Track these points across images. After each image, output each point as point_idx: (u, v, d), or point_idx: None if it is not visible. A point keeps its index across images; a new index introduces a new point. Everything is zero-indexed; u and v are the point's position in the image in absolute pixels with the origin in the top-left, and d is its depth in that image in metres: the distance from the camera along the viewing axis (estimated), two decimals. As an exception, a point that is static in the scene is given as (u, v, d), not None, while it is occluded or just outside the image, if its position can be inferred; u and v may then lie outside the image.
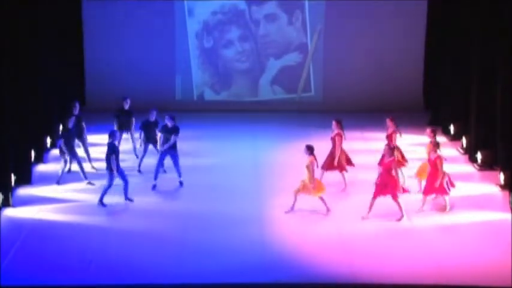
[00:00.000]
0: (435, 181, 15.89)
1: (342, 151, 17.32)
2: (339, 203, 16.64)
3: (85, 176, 17.60)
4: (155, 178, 17.39)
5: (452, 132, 21.45)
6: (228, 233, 15.00)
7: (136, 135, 19.15)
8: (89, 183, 17.50)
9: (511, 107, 17.61)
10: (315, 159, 15.77)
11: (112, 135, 16.38)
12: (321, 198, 15.92)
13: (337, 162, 17.18)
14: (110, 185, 16.25)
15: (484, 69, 19.15)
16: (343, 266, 13.73)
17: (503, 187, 17.50)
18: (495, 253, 14.22)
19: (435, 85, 23.50)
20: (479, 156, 19.05)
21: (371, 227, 15.38)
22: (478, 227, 15.49)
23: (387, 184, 15.52)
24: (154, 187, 17.35)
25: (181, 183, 17.54)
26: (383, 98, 24.21)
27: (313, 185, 15.70)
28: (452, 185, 16.18)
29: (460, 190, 17.35)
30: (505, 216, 15.93)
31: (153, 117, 18.48)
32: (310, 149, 15.78)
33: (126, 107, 19.39)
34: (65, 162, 17.73)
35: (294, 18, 24.56)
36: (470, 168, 19.15)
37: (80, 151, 18.51)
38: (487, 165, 18.83)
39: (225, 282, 13.12)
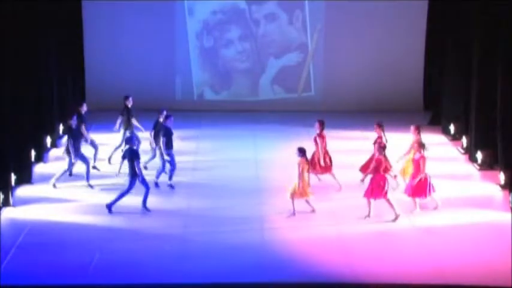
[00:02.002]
0: (415, 181, 15.86)
1: (326, 152, 17.29)
2: (339, 203, 16.63)
3: (88, 178, 17.52)
4: (157, 177, 17.38)
5: (452, 132, 21.47)
6: (228, 233, 14.99)
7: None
8: (89, 185, 17.45)
9: (511, 106, 17.60)
10: (307, 161, 15.82)
11: (128, 141, 16.30)
12: (292, 200, 15.87)
13: (323, 163, 17.20)
14: (128, 191, 15.99)
15: (484, 69, 19.11)
16: (342, 265, 13.70)
17: (503, 187, 17.49)
18: (495, 253, 14.20)
19: (435, 85, 23.50)
20: (479, 156, 19.05)
21: (370, 226, 15.36)
22: (478, 227, 15.47)
23: (379, 184, 15.50)
24: (157, 185, 17.32)
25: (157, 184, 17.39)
26: (383, 98, 24.22)
27: (300, 186, 15.66)
28: (433, 189, 16.04)
29: (460, 190, 17.39)
30: (505, 216, 15.91)
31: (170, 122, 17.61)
32: (301, 151, 15.76)
33: (129, 105, 19.27)
34: (70, 164, 17.49)
35: (294, 18, 24.56)
36: (470, 168, 19.15)
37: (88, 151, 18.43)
38: (487, 165, 18.83)
39: (225, 282, 13.09)
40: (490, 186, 17.84)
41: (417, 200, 16.01)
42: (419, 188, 15.82)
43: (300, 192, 15.67)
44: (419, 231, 15.29)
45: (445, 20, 22.39)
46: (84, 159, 17.53)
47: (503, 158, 17.82)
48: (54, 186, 17.41)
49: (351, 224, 15.48)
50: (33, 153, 18.55)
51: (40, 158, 19.15)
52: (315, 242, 14.69)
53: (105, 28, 24.23)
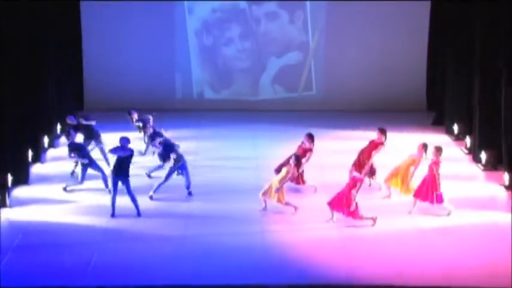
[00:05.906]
0: (431, 186, 15.69)
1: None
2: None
3: (70, 180, 17.35)
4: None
5: (456, 132, 21.42)
6: (227, 233, 14.93)
7: None
8: (65, 188, 17.12)
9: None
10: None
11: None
12: (286, 203, 15.91)
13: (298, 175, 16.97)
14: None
15: (487, 68, 19.06)
16: (344, 267, 13.63)
17: (507, 187, 17.41)
18: (499, 254, 14.11)
19: (438, 85, 23.43)
20: (483, 156, 18.95)
21: (372, 227, 15.27)
22: (482, 228, 15.41)
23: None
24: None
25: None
26: (385, 97, 24.14)
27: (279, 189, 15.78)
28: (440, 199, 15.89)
29: (464, 190, 17.31)
30: (509, 216, 15.81)
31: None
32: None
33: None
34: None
35: (295, 17, 24.44)
36: (474, 169, 19.07)
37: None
38: (491, 165, 18.76)
39: (225, 284, 13.03)
40: (494, 186, 17.77)
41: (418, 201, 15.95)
42: (429, 192, 15.74)
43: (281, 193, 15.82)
44: (423, 232, 15.18)
45: (448, 20, 22.35)
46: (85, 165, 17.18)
47: (508, 158, 17.74)
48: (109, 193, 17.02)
49: (352, 225, 15.33)
50: (30, 153, 18.44)
51: (37, 159, 19.06)
52: (316, 244, 14.60)
53: (104, 28, 24.13)
